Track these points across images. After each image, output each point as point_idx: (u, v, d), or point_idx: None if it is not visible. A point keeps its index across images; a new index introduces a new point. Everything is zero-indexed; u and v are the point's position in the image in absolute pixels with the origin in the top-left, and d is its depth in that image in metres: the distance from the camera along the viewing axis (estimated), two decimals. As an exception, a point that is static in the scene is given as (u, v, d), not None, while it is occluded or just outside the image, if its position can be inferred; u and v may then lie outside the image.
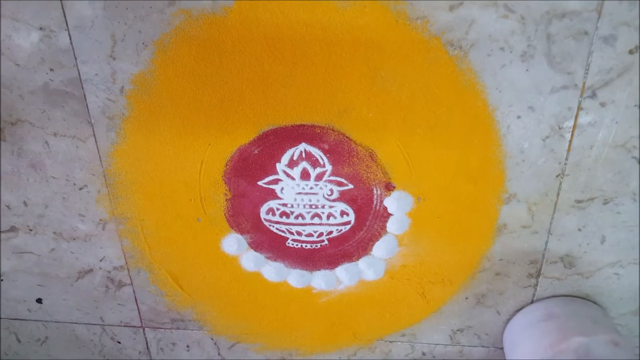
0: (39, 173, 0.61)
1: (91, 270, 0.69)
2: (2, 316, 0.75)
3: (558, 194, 0.56)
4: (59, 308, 0.74)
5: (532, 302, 0.65)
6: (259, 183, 0.59)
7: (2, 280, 0.71)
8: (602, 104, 0.51)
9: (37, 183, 0.62)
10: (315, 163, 0.57)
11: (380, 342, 0.72)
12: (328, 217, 0.60)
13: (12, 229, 0.66)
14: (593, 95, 0.50)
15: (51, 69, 0.54)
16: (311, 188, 0.58)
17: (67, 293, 0.71)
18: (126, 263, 0.67)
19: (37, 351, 0.79)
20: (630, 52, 0.48)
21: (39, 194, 0.63)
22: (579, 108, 0.51)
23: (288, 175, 0.58)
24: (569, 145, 0.53)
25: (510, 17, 0.47)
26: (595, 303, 0.64)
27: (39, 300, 0.73)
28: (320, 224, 0.61)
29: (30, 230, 0.66)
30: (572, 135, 0.53)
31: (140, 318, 0.73)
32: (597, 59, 0.48)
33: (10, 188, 0.63)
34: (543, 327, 0.61)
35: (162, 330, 0.73)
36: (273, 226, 0.62)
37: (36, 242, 0.67)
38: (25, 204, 0.64)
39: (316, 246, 0.63)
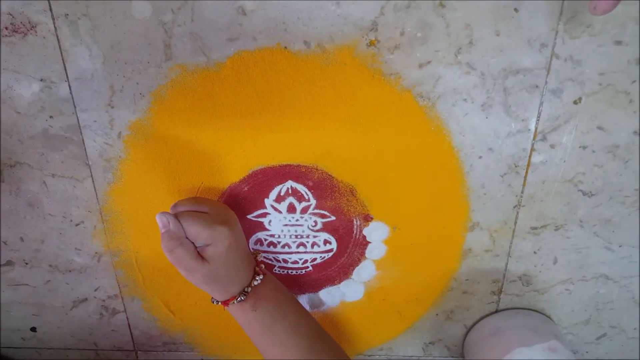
0: (36, 211, 0.64)
1: (86, 299, 0.71)
2: (-5, 345, 0.77)
3: (515, 222, 0.63)
4: (53, 335, 0.75)
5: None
6: (249, 217, 0.63)
7: (-4, 311, 0.73)
8: (552, 146, 0.57)
9: (34, 220, 0.64)
10: (300, 198, 0.62)
11: (359, 357, 0.76)
12: (312, 246, 0.65)
13: (9, 263, 0.68)
14: (544, 139, 0.57)
15: (51, 116, 0.57)
16: (297, 220, 0.63)
17: (62, 321, 0.74)
18: (120, 292, 0.70)
19: (30, 377, 0.81)
20: (575, 102, 0.54)
21: (36, 230, 0.65)
22: (532, 149, 0.57)
23: (275, 209, 0.62)
24: (524, 181, 0.60)
25: (471, 74, 0.53)
26: (538, 312, 0.70)
27: (33, 329, 0.75)
28: (305, 252, 0.66)
29: (27, 263, 0.68)
30: (526, 172, 0.59)
31: (133, 342, 0.75)
32: (547, 108, 0.55)
33: (7, 225, 0.65)
34: (490, 341, 0.66)
35: (155, 352, 0.77)
36: (261, 255, 0.66)
37: (32, 274, 0.69)
38: (22, 239, 0.66)
39: (301, 272, 0.68)
